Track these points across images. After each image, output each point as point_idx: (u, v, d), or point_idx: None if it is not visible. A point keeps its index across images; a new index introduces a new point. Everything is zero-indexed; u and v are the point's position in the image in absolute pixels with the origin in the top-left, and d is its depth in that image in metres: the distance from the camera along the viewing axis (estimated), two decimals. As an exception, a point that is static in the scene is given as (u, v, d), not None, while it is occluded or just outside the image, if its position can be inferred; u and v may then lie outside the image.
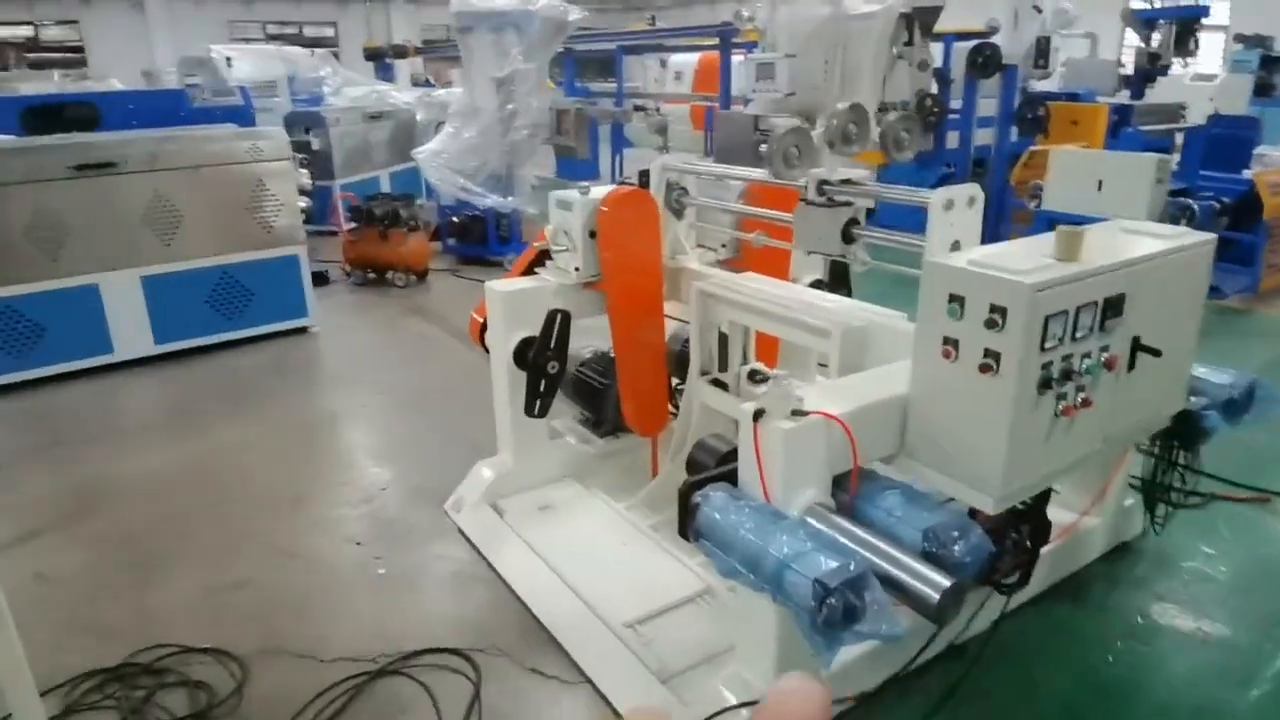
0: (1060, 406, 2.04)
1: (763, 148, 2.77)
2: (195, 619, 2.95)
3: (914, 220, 2.47)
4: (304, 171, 6.51)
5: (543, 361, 3.25)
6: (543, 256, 3.55)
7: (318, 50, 12.59)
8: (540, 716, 2.53)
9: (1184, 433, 2.69)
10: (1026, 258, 2.00)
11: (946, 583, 1.83)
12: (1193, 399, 2.65)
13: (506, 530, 3.35)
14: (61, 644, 2.82)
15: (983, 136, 7.69)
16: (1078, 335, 1.99)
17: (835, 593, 1.78)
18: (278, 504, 3.74)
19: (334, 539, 3.47)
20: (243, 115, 7.34)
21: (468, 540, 3.38)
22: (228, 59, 9.72)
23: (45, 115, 6.58)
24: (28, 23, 20.47)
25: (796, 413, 2.05)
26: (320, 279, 7.23)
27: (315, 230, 8.31)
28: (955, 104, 7.45)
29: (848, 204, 2.76)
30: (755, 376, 3.43)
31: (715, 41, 9.35)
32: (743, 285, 3.28)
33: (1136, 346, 2.19)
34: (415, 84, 15.06)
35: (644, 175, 3.64)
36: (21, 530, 3.59)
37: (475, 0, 6.83)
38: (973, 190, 2.43)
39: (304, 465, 4.13)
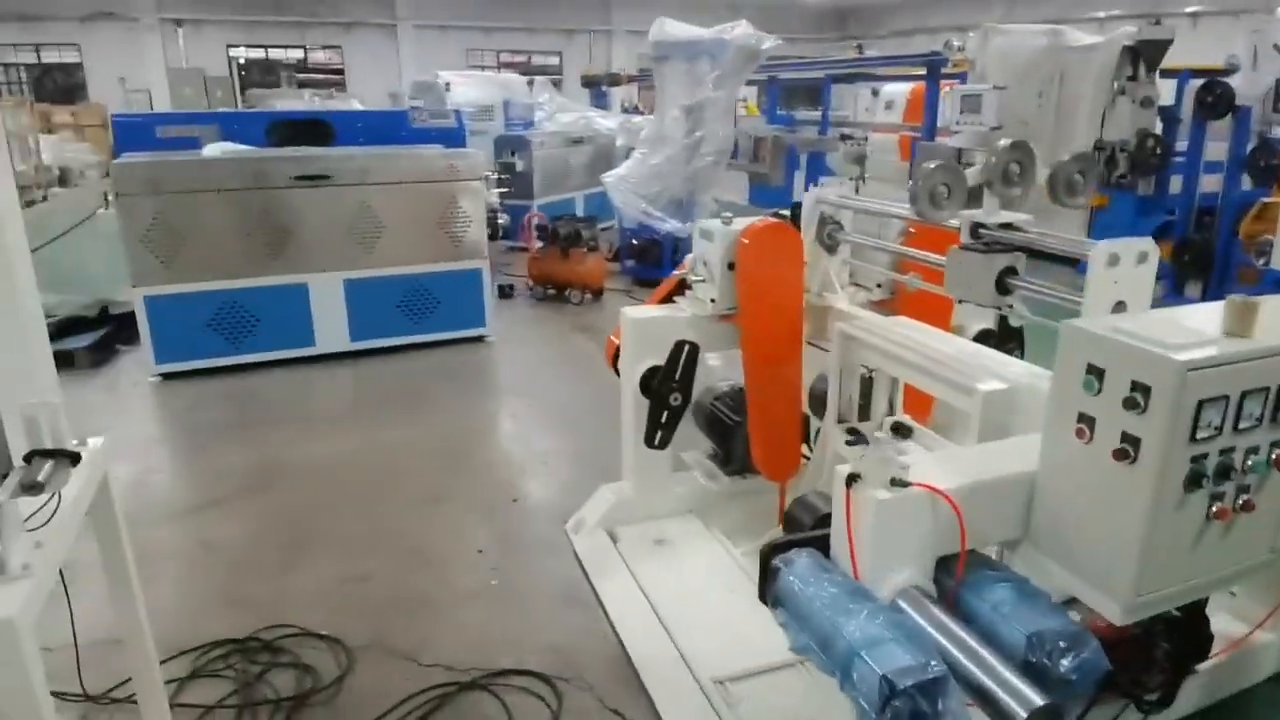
0: (1214, 509, 1.68)
1: (909, 184, 2.56)
2: (322, 604, 3.15)
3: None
4: (495, 191, 6.90)
5: (665, 391, 3.19)
6: (683, 285, 3.50)
7: (537, 78, 13.41)
8: (611, 760, 2.45)
9: None
10: (1188, 329, 1.67)
11: (1039, 701, 1.55)
12: None
13: (617, 559, 3.31)
14: (206, 611, 3.12)
15: (1210, 183, 6.74)
16: (1241, 426, 1.64)
17: (903, 695, 1.57)
18: (419, 504, 3.94)
19: (460, 545, 3.59)
20: (455, 136, 7.92)
21: (579, 563, 3.38)
22: (446, 84, 10.56)
23: (286, 129, 7.46)
24: (299, 47, 23.46)
25: (896, 482, 1.84)
26: (506, 292, 7.65)
27: (511, 246, 8.82)
28: (1182, 145, 6.61)
29: (1006, 250, 2.48)
30: (899, 430, 3.18)
31: (923, 71, 8.92)
32: (890, 330, 3.04)
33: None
34: (624, 110, 15.63)
35: (795, 208, 3.49)
36: (204, 499, 4.03)
37: (672, 30, 6.95)
38: (1144, 245, 2.09)
39: (450, 469, 4.33)
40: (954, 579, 1.89)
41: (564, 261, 7.28)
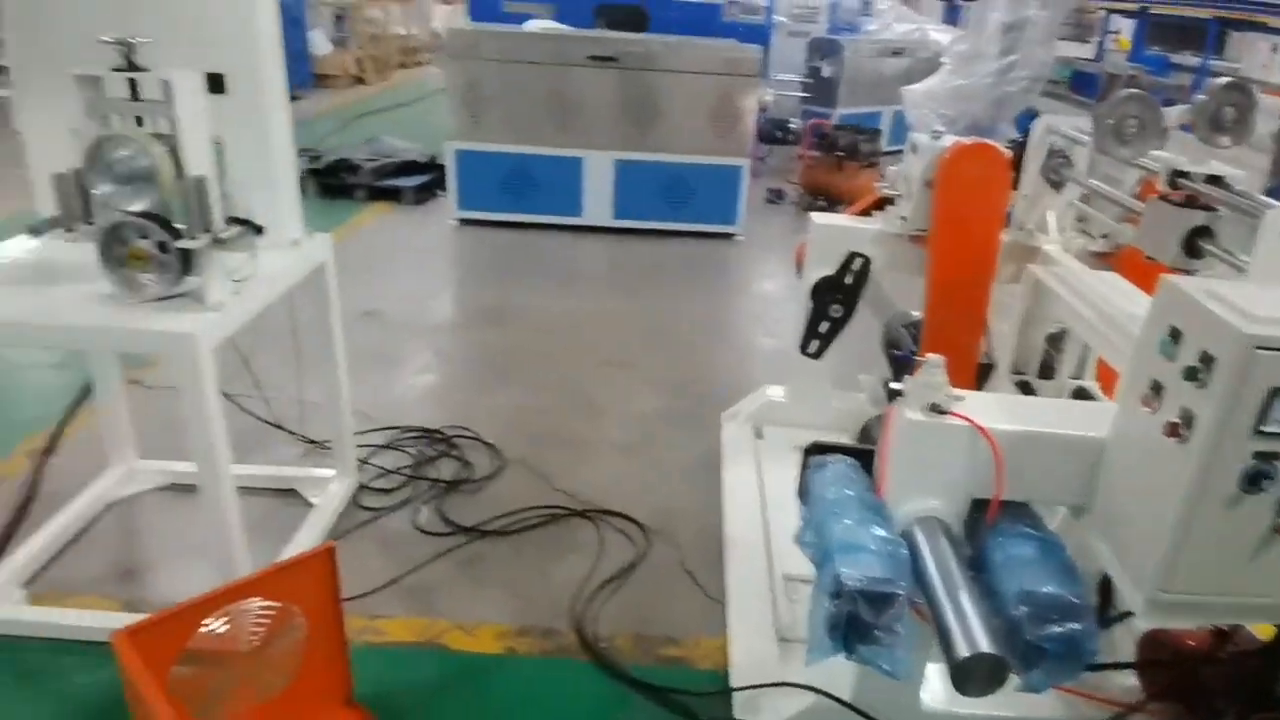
0: (1278, 520, 1.44)
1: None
2: (499, 420, 3.68)
3: None
4: (770, 91, 6.87)
5: (827, 300, 3.18)
6: (885, 201, 3.38)
7: None
8: (663, 611, 2.68)
9: None
10: (1294, 303, 1.40)
11: (986, 651, 1.50)
12: None
13: (750, 453, 3.44)
14: (417, 402, 3.81)
15: None
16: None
17: (847, 596, 1.60)
18: (611, 365, 4.33)
19: (629, 406, 3.93)
20: (759, 33, 7.93)
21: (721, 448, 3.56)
22: None
23: (611, 13, 7.96)
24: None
25: (935, 408, 1.79)
26: (775, 197, 7.68)
27: (801, 155, 8.75)
28: None
29: (1207, 208, 2.12)
30: (1080, 396, 2.89)
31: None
32: (1088, 285, 2.74)
33: None
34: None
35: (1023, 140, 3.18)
36: (451, 320, 4.82)
37: (1010, -69, 6.27)
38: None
39: (650, 344, 4.66)
40: (986, 524, 1.81)
41: (837, 173, 7.11)
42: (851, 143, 7.02)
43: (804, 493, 2.04)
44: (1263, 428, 1.39)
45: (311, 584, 2.00)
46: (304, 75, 11.71)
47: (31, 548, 2.63)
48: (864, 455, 2.03)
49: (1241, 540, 1.49)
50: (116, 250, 1.97)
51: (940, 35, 10.28)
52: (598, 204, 6.49)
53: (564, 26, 6.96)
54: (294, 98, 11.22)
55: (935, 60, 9.38)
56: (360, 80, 13.28)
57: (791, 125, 8.25)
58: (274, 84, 2.41)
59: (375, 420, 3.54)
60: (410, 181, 7.05)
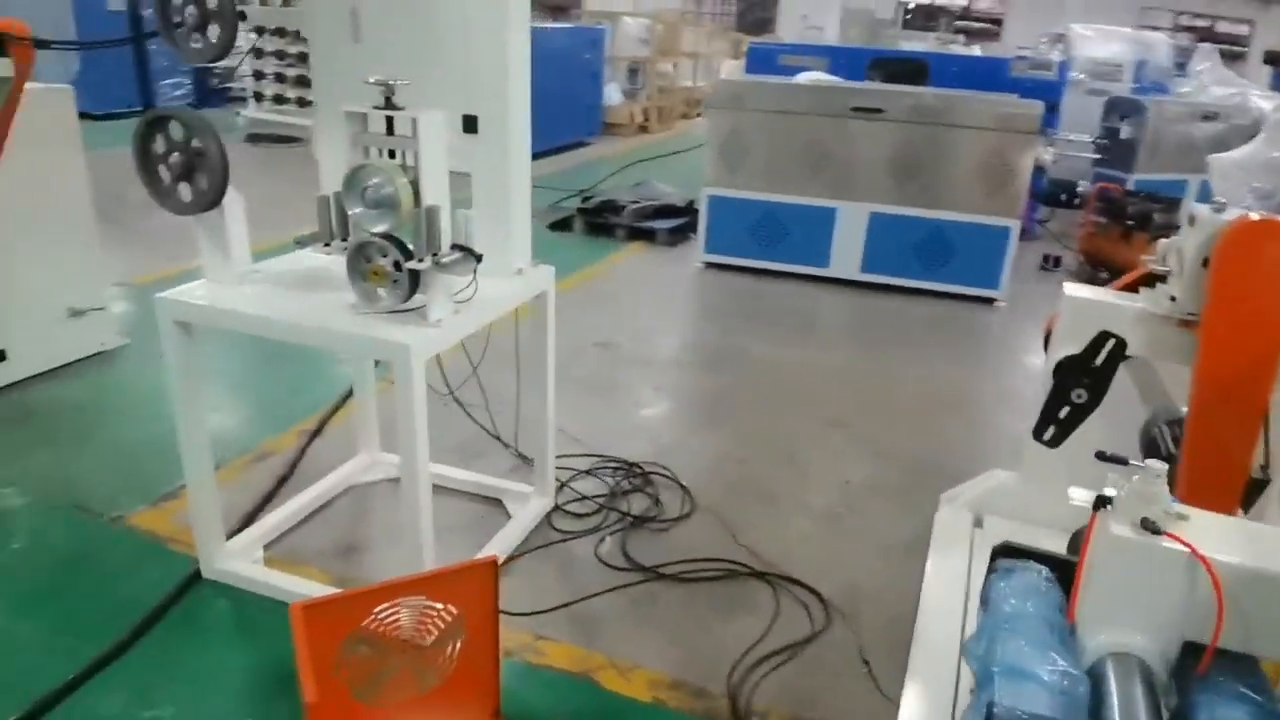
0: None
1: None
2: (698, 464, 3.67)
3: None
4: (1050, 150, 6.28)
5: (1069, 384, 2.81)
6: (1153, 278, 2.94)
7: (1202, 45, 11.15)
8: (828, 697, 2.48)
9: None
10: None
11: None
12: None
13: (964, 542, 3.11)
14: (624, 433, 3.91)
15: None
16: None
17: (1000, 725, 1.38)
18: (824, 423, 4.16)
19: (837, 469, 3.75)
20: (1051, 90, 7.33)
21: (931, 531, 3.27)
22: (1066, 36, 9.54)
23: (885, 67, 7.80)
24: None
25: (1148, 524, 1.50)
26: (1050, 263, 7.01)
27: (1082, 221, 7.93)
28: None
29: None
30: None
31: None
32: None
33: None
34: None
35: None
36: (674, 357, 4.91)
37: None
38: None
39: (873, 407, 4.42)
40: (1196, 671, 1.48)
41: (1123, 243, 6.32)
42: (1144, 211, 6.22)
43: (985, 598, 1.81)
44: None
45: (473, 592, 2.10)
46: (595, 124, 12.67)
47: (279, 515, 3.05)
48: (1063, 566, 1.75)
49: None
50: (361, 266, 2.25)
51: (1264, 101, 8.87)
52: (846, 256, 6.32)
53: (835, 79, 6.92)
54: (582, 144, 12.27)
55: (1254, 128, 8.09)
56: (644, 129, 14.14)
57: (1079, 188, 7.52)
58: (519, 128, 2.63)
59: (584, 445, 3.69)
60: (665, 224, 7.34)
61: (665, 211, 7.57)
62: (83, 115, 4.22)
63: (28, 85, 3.46)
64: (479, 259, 2.28)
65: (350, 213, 2.22)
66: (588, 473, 3.54)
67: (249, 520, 3.06)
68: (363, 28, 2.60)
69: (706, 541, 3.13)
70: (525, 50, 2.58)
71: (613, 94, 13.19)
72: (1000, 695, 1.42)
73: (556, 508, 3.27)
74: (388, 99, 2.19)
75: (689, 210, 7.61)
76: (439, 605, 2.09)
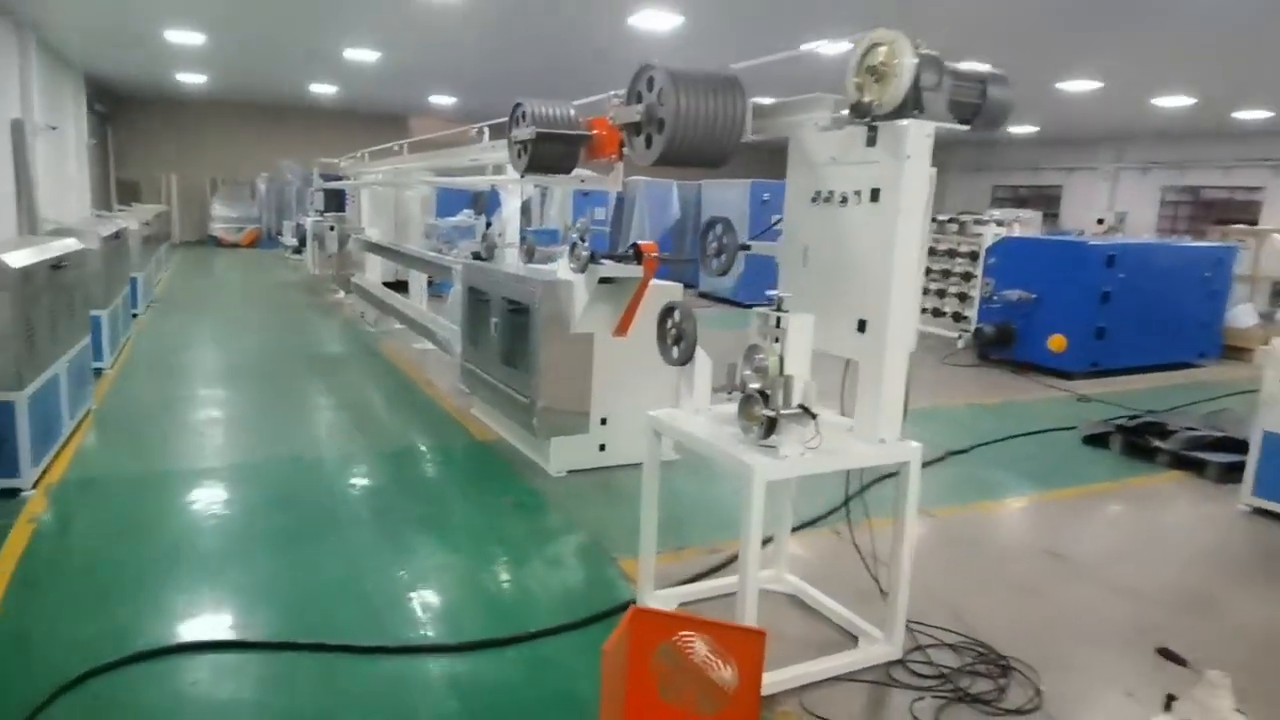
0: None
1: None
2: (1072, 674, 3.59)
3: None
4: None
5: None
6: None
7: None
8: None
9: None
10: None
11: None
12: None
13: None
14: (1019, 638, 4.00)
15: None
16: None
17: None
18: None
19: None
20: None
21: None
22: None
23: None
24: None
25: (1192, 730, 1.58)
26: None
27: None
28: None
29: None
30: None
31: None
32: None
33: None
34: None
35: None
36: (1136, 609, 4.59)
37: None
38: None
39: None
40: None
41: None
42: None
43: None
44: None
45: (748, 654, 2.87)
46: (1213, 345, 11.43)
47: (698, 588, 4.17)
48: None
49: None
50: (745, 409, 3.31)
51: None
52: None
53: None
54: (1191, 365, 11.18)
55: None
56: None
57: None
58: (898, 329, 3.39)
59: (963, 623, 3.96)
60: (1222, 457, 6.54)
61: (1228, 445, 6.72)
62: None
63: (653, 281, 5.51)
64: (814, 416, 3.13)
65: (742, 374, 3.33)
66: (952, 647, 3.81)
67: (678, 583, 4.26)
68: (809, 259, 3.74)
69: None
70: (909, 271, 3.37)
71: (1244, 315, 11.68)
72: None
73: (900, 661, 3.66)
74: (778, 305, 3.26)
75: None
76: (724, 650, 2.92)
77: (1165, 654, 2.93)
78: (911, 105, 3.21)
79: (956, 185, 29.37)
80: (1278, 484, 5.68)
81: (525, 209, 14.57)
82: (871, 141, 3.32)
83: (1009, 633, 3.93)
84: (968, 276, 11.90)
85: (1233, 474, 6.43)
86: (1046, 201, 26.24)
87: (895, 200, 3.28)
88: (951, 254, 12.38)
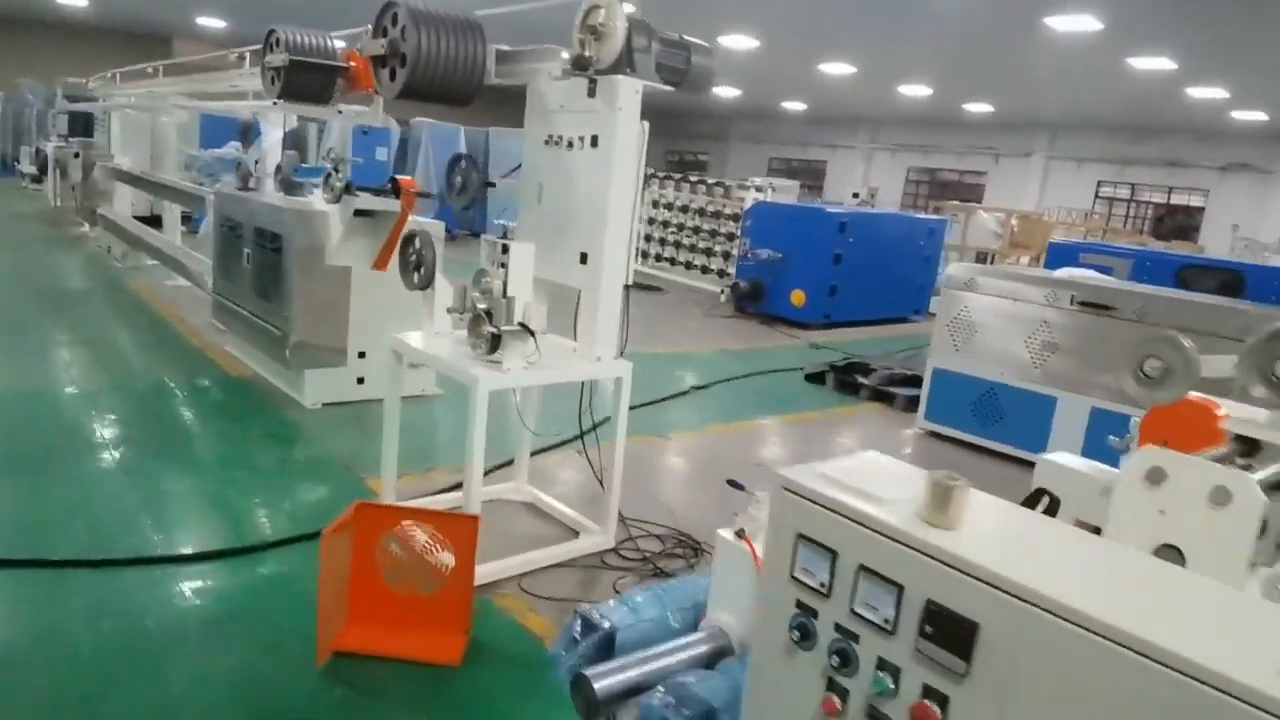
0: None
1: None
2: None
3: None
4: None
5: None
6: None
7: None
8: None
9: None
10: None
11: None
12: None
13: None
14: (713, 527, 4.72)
15: None
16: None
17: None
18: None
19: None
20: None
21: None
22: None
23: (1194, 276, 7.52)
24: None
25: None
26: None
27: None
28: None
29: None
30: None
31: None
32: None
33: None
34: None
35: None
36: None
37: None
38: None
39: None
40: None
41: None
42: None
43: None
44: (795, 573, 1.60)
45: (462, 536, 3.27)
46: (925, 303, 13.26)
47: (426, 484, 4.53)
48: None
49: (790, 701, 1.62)
50: (473, 327, 3.67)
51: None
52: (1064, 445, 6.22)
53: (1098, 275, 6.94)
54: (906, 320, 12.85)
55: None
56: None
57: None
58: (614, 262, 3.88)
59: (676, 520, 4.61)
60: (908, 391, 7.80)
61: (914, 381, 8.02)
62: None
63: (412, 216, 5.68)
64: (533, 333, 3.57)
65: (471, 296, 3.69)
66: (659, 538, 4.45)
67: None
68: (543, 197, 4.13)
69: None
70: (622, 212, 3.85)
71: (952, 279, 13.66)
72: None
73: (614, 550, 4.24)
74: (504, 234, 3.64)
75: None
76: (442, 537, 3.30)
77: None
78: (625, 63, 3.67)
79: (738, 154, 31.19)
80: (942, 411, 6.93)
81: (300, 144, 13.84)
82: (591, 93, 3.74)
83: (706, 523, 4.64)
84: (731, 237, 12.95)
85: (914, 404, 7.72)
86: (814, 174, 28.56)
87: (611, 148, 3.74)
88: (718, 215, 13.39)
